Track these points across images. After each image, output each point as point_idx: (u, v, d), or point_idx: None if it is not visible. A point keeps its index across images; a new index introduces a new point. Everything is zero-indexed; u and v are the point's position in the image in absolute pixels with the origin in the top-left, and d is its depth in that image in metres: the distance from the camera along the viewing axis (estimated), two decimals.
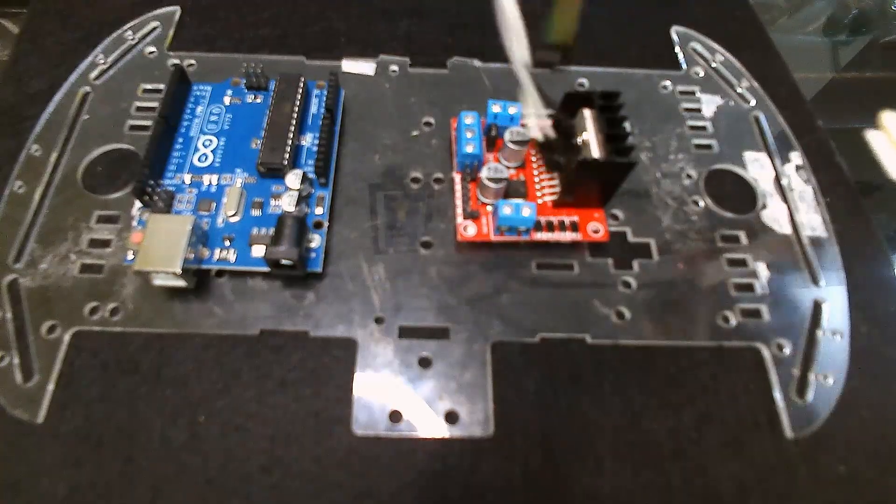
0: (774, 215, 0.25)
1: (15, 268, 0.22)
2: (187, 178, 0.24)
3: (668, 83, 0.29)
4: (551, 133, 0.19)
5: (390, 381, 0.21)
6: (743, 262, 0.24)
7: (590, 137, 0.22)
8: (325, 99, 0.25)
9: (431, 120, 0.27)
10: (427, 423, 0.20)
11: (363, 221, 0.24)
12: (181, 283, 0.21)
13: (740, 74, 0.30)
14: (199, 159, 0.24)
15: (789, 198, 0.26)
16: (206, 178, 0.24)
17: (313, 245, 0.22)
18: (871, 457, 0.20)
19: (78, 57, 0.28)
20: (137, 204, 0.23)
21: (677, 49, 0.30)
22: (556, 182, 0.24)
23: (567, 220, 0.23)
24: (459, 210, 0.23)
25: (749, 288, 0.23)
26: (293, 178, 0.23)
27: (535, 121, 0.19)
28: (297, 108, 0.24)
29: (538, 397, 0.21)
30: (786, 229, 0.25)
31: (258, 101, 0.26)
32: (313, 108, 0.26)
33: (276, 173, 0.23)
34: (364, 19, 0.31)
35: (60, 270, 0.22)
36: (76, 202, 0.24)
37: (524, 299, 0.23)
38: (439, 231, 0.24)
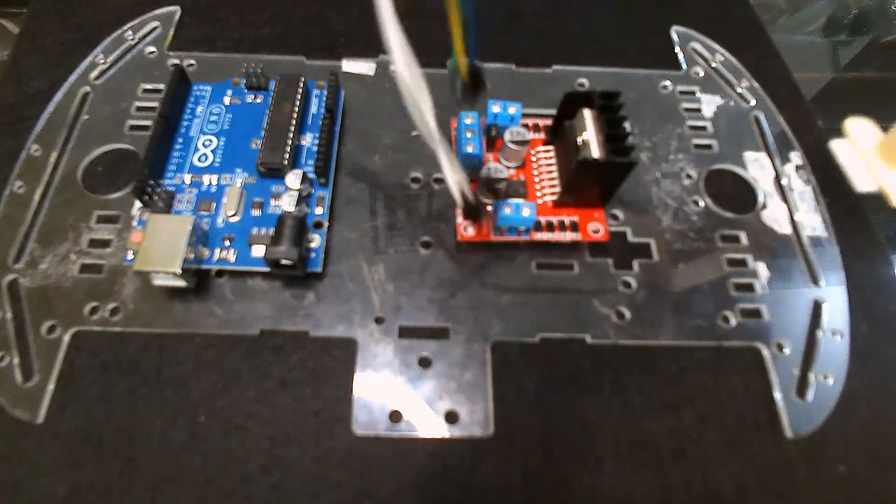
0: (774, 215, 0.25)
1: (15, 268, 0.22)
2: (187, 178, 0.24)
3: (668, 83, 0.29)
4: (469, 193, 0.19)
5: (390, 381, 0.21)
6: (743, 262, 0.24)
7: (590, 137, 0.22)
8: (325, 99, 0.25)
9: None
10: (427, 423, 0.20)
11: (363, 221, 0.24)
12: (181, 283, 0.21)
13: (740, 74, 0.30)
14: (199, 159, 0.24)
15: (789, 198, 0.26)
16: (206, 178, 0.24)
17: (313, 245, 0.22)
18: (871, 457, 0.20)
19: (78, 57, 0.28)
20: (137, 204, 0.23)
21: (677, 49, 0.30)
22: (556, 182, 0.24)
23: (567, 220, 0.23)
24: (459, 210, 0.23)
25: (749, 288, 0.23)
26: (293, 178, 0.23)
27: (453, 180, 0.19)
28: (297, 108, 0.24)
29: (538, 397, 0.21)
30: (786, 229, 0.25)
31: (258, 101, 0.26)
32: (313, 108, 0.26)
33: (276, 173, 0.23)
34: (364, 19, 0.31)
35: (60, 270, 0.22)
36: (76, 202, 0.24)
37: (524, 299, 0.23)
38: (439, 231, 0.24)
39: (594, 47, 0.30)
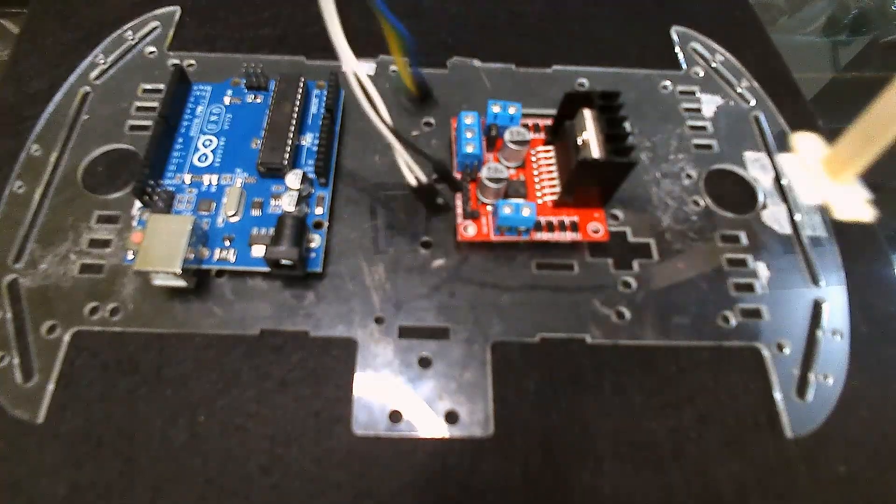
0: (774, 215, 0.25)
1: (15, 268, 0.22)
2: (187, 178, 0.24)
3: (668, 83, 0.29)
4: (423, 178, 0.19)
5: (390, 381, 0.21)
6: (743, 262, 0.24)
7: (590, 137, 0.22)
8: (325, 99, 0.25)
9: (431, 120, 0.27)
10: (427, 423, 0.20)
11: (363, 221, 0.24)
12: (181, 283, 0.21)
13: (740, 74, 0.30)
14: (199, 159, 0.24)
15: (789, 198, 0.26)
16: (206, 178, 0.24)
17: (313, 245, 0.22)
18: (871, 457, 0.20)
19: (78, 57, 0.28)
20: (137, 204, 0.23)
21: (677, 49, 0.30)
22: (556, 182, 0.24)
23: (567, 220, 0.23)
24: (459, 210, 0.23)
25: (749, 288, 0.23)
26: (293, 178, 0.23)
27: (408, 169, 0.19)
28: (297, 108, 0.24)
29: (538, 397, 0.21)
30: (786, 229, 0.25)
31: (258, 101, 0.26)
32: (313, 108, 0.26)
33: (276, 173, 0.23)
34: (364, 19, 0.31)
35: (60, 270, 0.22)
36: (76, 202, 0.24)
37: (524, 299, 0.23)
38: (439, 231, 0.24)
39: (594, 47, 0.30)
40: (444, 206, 0.21)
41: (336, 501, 0.19)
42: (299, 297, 0.22)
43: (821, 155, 0.22)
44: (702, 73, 0.30)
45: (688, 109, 0.28)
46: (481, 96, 0.28)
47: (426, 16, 0.31)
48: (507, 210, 0.22)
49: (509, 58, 0.29)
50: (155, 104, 0.26)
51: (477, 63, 0.29)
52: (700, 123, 0.28)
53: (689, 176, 0.26)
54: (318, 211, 0.23)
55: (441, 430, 0.20)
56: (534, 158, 0.25)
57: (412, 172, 0.19)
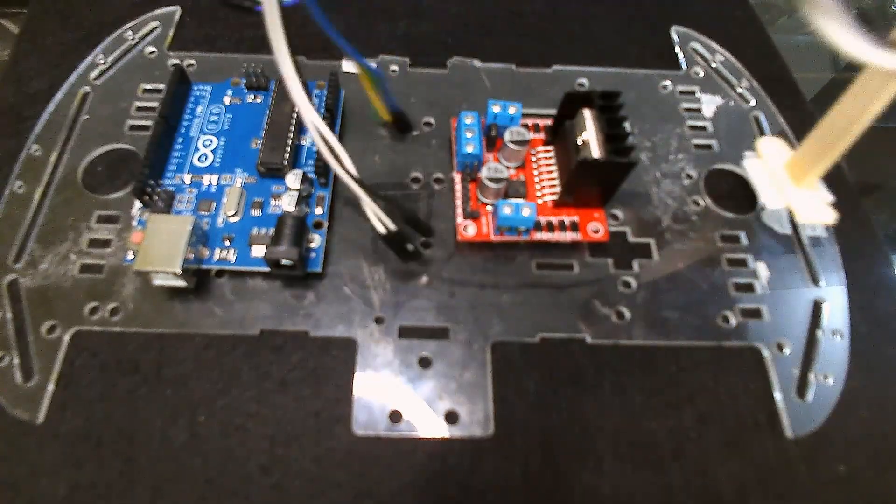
0: (774, 215, 0.25)
1: (15, 268, 0.22)
2: (187, 178, 0.24)
3: (668, 83, 0.29)
4: (392, 226, 0.19)
5: (390, 381, 0.21)
6: (743, 262, 0.24)
7: (590, 137, 0.22)
8: (325, 99, 0.25)
9: (431, 120, 0.27)
10: (427, 423, 0.20)
11: (363, 221, 0.24)
12: (181, 283, 0.21)
13: (740, 74, 0.30)
14: (199, 159, 0.24)
15: None
16: (206, 178, 0.24)
17: (313, 245, 0.22)
18: (871, 457, 0.20)
19: (78, 57, 0.28)
20: (137, 204, 0.23)
21: (677, 49, 0.30)
22: (556, 182, 0.24)
23: (567, 220, 0.23)
24: (459, 210, 0.23)
25: (749, 288, 0.23)
26: (293, 178, 0.23)
27: (376, 218, 0.19)
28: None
29: (538, 397, 0.21)
30: (786, 229, 0.25)
31: (258, 101, 0.26)
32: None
33: (276, 173, 0.23)
34: (364, 19, 0.31)
35: (60, 270, 0.22)
36: (76, 202, 0.24)
37: (524, 299, 0.23)
38: (439, 231, 0.24)
39: (594, 47, 0.30)
40: (415, 252, 0.21)
41: (336, 501, 0.19)
42: (299, 297, 0.22)
43: (784, 159, 0.23)
44: (702, 73, 0.30)
45: (688, 109, 0.28)
46: (481, 96, 0.28)
47: (426, 16, 0.31)
48: (507, 210, 0.22)
49: (509, 58, 0.29)
50: (155, 104, 0.26)
51: (477, 63, 0.29)
52: (700, 123, 0.28)
53: (689, 176, 0.26)
54: (318, 211, 0.23)
55: (441, 430, 0.20)
56: (534, 158, 0.25)
57: (380, 221, 0.19)
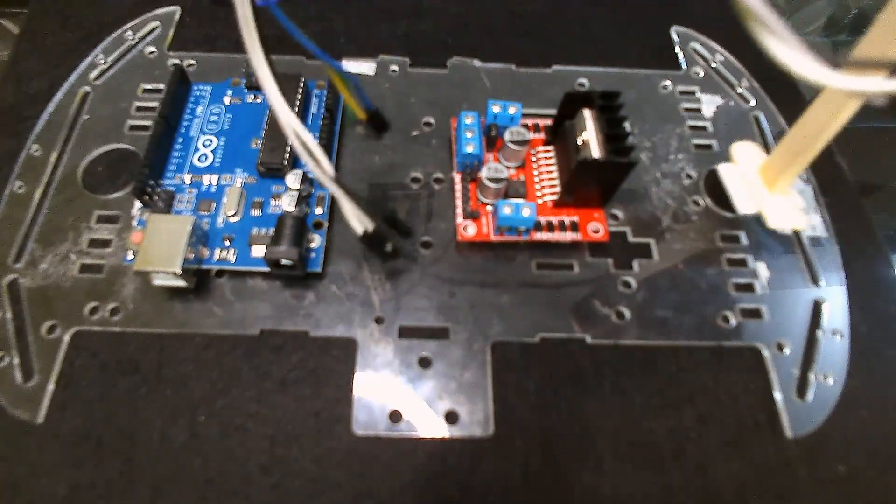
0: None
1: (15, 268, 0.22)
2: (187, 178, 0.24)
3: (668, 83, 0.29)
4: (370, 226, 0.19)
5: (390, 381, 0.21)
6: (743, 262, 0.24)
7: (590, 137, 0.22)
8: (325, 99, 0.25)
9: (431, 120, 0.27)
10: (427, 423, 0.20)
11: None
12: (181, 283, 0.21)
13: (740, 74, 0.30)
14: (199, 159, 0.24)
15: None
16: (206, 178, 0.24)
17: (313, 245, 0.22)
18: (871, 457, 0.20)
19: (78, 57, 0.28)
20: (137, 204, 0.23)
21: (677, 49, 0.30)
22: (556, 182, 0.24)
23: (567, 220, 0.23)
24: (459, 210, 0.23)
25: (749, 288, 0.23)
26: (293, 178, 0.23)
27: (356, 218, 0.19)
28: (297, 108, 0.24)
29: (538, 397, 0.21)
30: (786, 229, 0.25)
31: (258, 101, 0.26)
32: (313, 108, 0.26)
33: (276, 173, 0.23)
34: (364, 19, 0.31)
35: (60, 270, 0.22)
36: (76, 202, 0.24)
37: (524, 299, 0.23)
38: (439, 231, 0.24)
39: (594, 47, 0.30)
40: (394, 252, 0.21)
41: (336, 501, 0.19)
42: (299, 297, 0.22)
43: (758, 165, 0.23)
44: (702, 73, 0.30)
45: (688, 109, 0.28)
46: (481, 96, 0.28)
47: (426, 16, 0.31)
48: (507, 210, 0.22)
49: (509, 58, 0.29)
50: (155, 104, 0.26)
51: (477, 63, 0.29)
52: (700, 123, 0.28)
53: (689, 176, 0.26)
54: (318, 211, 0.23)
55: (441, 430, 0.20)
56: (534, 158, 0.25)
57: (359, 221, 0.19)
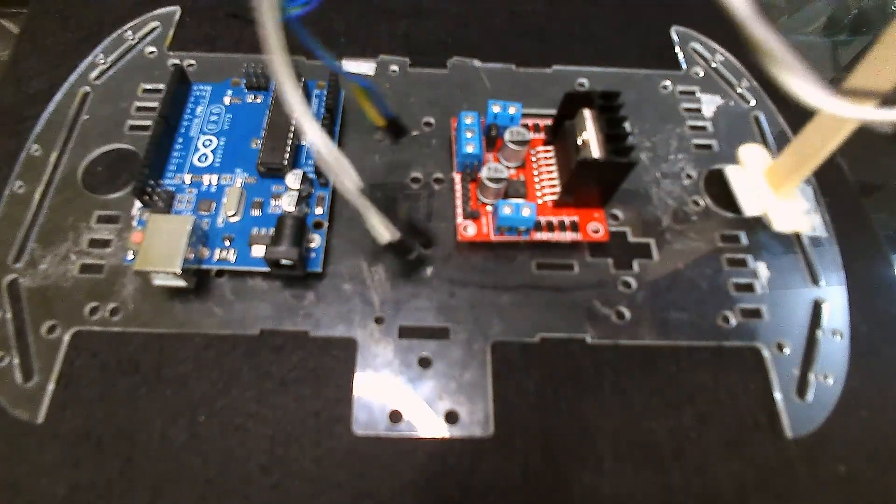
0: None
1: (15, 268, 0.22)
2: (187, 178, 0.24)
3: (668, 83, 0.29)
4: (395, 235, 0.19)
5: (390, 381, 0.21)
6: (743, 262, 0.24)
7: (590, 137, 0.22)
8: (325, 99, 0.25)
9: (431, 120, 0.27)
10: (427, 423, 0.20)
11: (363, 221, 0.24)
12: (181, 283, 0.21)
13: (740, 74, 0.30)
14: (199, 159, 0.24)
15: None
16: (206, 178, 0.24)
17: (313, 245, 0.22)
18: (871, 457, 0.20)
19: (78, 57, 0.28)
20: (137, 204, 0.23)
21: (677, 49, 0.30)
22: (556, 182, 0.24)
23: (567, 220, 0.23)
24: (459, 210, 0.23)
25: (749, 288, 0.23)
26: (293, 178, 0.23)
27: (382, 228, 0.19)
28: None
29: (538, 397, 0.21)
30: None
31: (258, 101, 0.26)
32: (313, 108, 0.26)
33: (276, 173, 0.23)
34: (364, 19, 0.31)
35: (60, 270, 0.22)
36: (76, 202, 0.24)
37: (524, 299, 0.23)
38: (439, 231, 0.24)
39: (594, 47, 0.30)
40: (418, 259, 0.21)
41: (336, 501, 0.19)
42: (299, 297, 0.22)
43: (764, 167, 0.23)
44: (702, 73, 0.30)
45: (688, 109, 0.28)
46: (481, 96, 0.28)
47: (426, 16, 0.31)
48: (507, 210, 0.22)
49: (509, 58, 0.29)
50: (155, 104, 0.26)
51: (477, 63, 0.29)
52: (700, 123, 0.28)
53: (689, 176, 0.26)
54: (318, 211, 0.23)
55: (441, 430, 0.20)
56: (534, 158, 0.25)
57: (384, 230, 0.19)
